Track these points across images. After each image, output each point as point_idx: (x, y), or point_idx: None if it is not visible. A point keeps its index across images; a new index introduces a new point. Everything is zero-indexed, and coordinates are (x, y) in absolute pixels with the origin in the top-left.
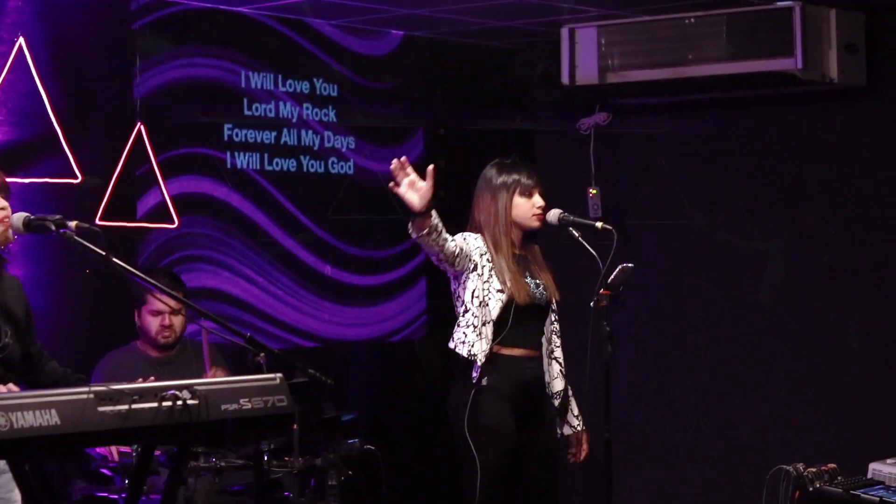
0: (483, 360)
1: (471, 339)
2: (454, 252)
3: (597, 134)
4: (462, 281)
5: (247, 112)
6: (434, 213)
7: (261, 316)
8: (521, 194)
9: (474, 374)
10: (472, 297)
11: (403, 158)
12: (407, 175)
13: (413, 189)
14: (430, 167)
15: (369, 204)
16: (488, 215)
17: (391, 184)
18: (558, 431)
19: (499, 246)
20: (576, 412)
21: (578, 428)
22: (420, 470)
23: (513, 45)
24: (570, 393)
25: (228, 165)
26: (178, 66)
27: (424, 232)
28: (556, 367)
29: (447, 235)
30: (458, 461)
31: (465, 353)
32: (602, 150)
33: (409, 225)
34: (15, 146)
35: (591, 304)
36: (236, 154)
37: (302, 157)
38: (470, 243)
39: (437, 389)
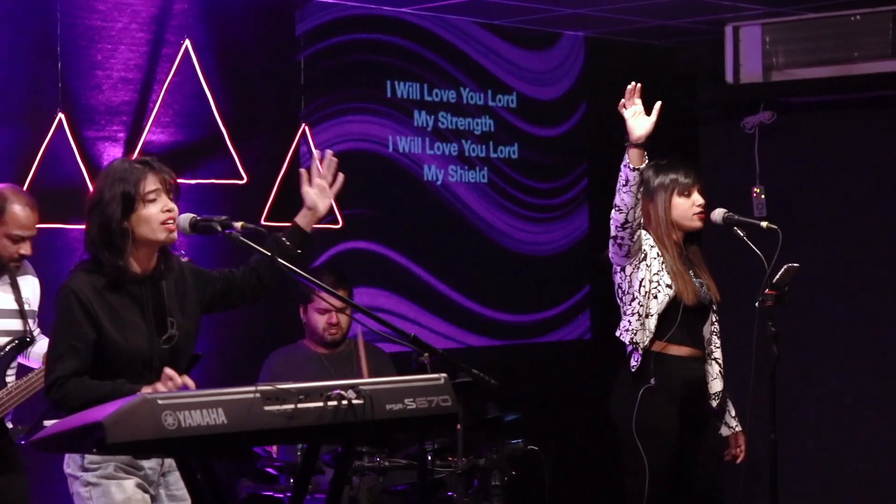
0: (642, 350)
1: (634, 327)
2: (640, 217)
3: (761, 132)
4: (629, 272)
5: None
6: (645, 154)
7: (424, 315)
8: (680, 194)
9: (633, 364)
10: (640, 286)
11: (638, 85)
12: (634, 103)
13: (638, 118)
14: (658, 103)
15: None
16: (649, 218)
17: (620, 104)
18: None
19: (663, 247)
20: (733, 413)
21: (736, 429)
22: (583, 470)
23: (676, 43)
24: (727, 394)
25: (390, 168)
26: (341, 68)
27: (640, 167)
28: (715, 368)
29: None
30: (624, 461)
31: (626, 341)
32: (766, 148)
33: (625, 155)
34: (181, 147)
35: (757, 304)
36: (400, 149)
37: (463, 142)
38: (641, 233)
39: (600, 390)
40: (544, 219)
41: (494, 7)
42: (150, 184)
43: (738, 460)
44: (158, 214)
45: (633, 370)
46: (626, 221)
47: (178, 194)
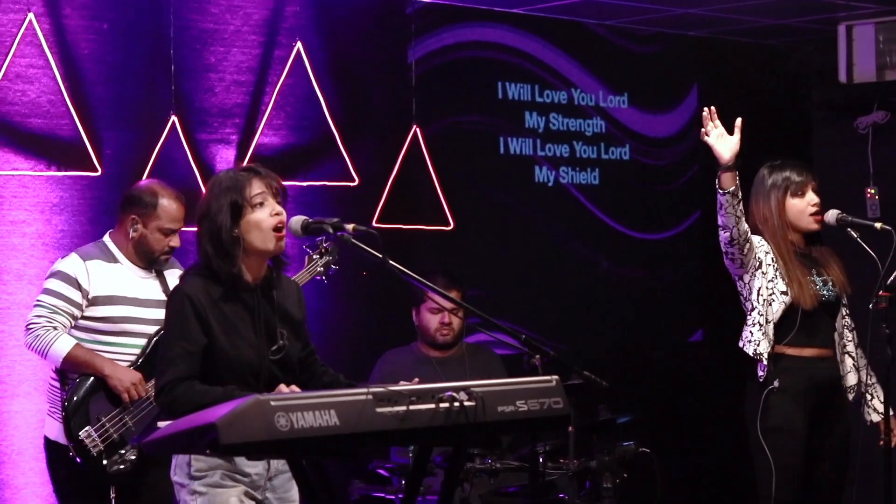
0: (767, 358)
1: (756, 337)
2: (747, 231)
3: (875, 133)
4: (747, 281)
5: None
6: (737, 175)
7: (532, 319)
8: (794, 194)
9: (760, 374)
10: (758, 295)
11: (712, 108)
12: (716, 126)
13: (722, 140)
14: (739, 120)
15: (647, 189)
16: (764, 218)
17: (702, 131)
18: (867, 419)
19: (779, 249)
20: (881, 398)
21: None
22: (695, 473)
23: (788, 43)
24: (874, 380)
25: (501, 170)
26: (453, 70)
27: (731, 189)
28: (848, 362)
29: (743, 210)
30: (754, 462)
31: (750, 352)
32: (880, 148)
33: (717, 182)
34: (293, 150)
35: (871, 305)
36: (511, 151)
37: (575, 143)
38: (754, 240)
39: (712, 391)
40: (656, 219)
41: (606, 7)
42: (256, 188)
43: (893, 444)
44: (268, 219)
45: (759, 380)
46: (733, 239)
47: (286, 199)
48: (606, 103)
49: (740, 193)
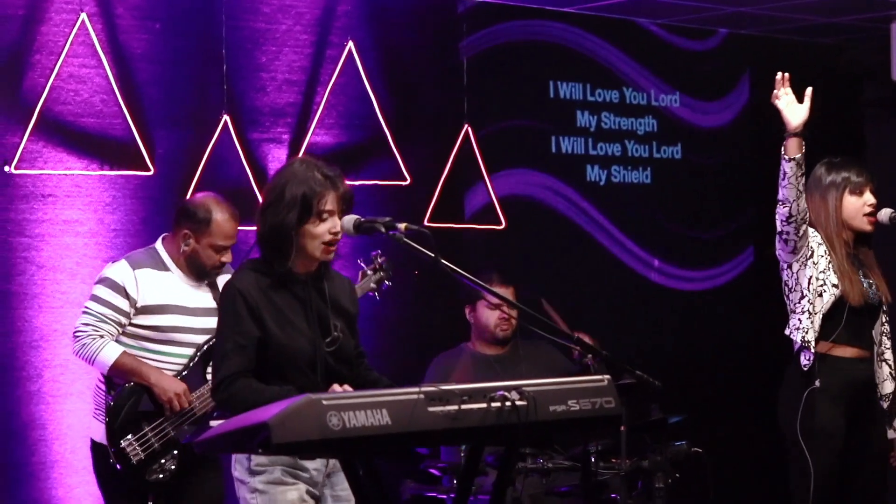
0: (813, 349)
1: (805, 325)
2: (805, 211)
3: None
4: (795, 270)
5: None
6: (804, 144)
7: (583, 318)
8: (852, 192)
9: (805, 363)
10: (809, 283)
11: (786, 74)
12: (787, 93)
13: (791, 106)
14: (809, 89)
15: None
16: (818, 215)
17: (772, 95)
18: (889, 434)
19: (832, 244)
20: None
21: None
22: (747, 473)
23: (840, 41)
24: None
25: (552, 169)
26: (504, 69)
27: (797, 157)
28: (885, 369)
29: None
30: (789, 462)
31: (798, 339)
32: None
33: (783, 149)
34: (344, 149)
35: None
36: (563, 150)
37: (626, 142)
38: (809, 231)
39: (764, 392)
40: (708, 218)
41: (657, 6)
42: (329, 203)
43: None
44: (325, 235)
45: (804, 368)
46: (791, 215)
47: (352, 207)
48: (658, 102)
49: (804, 164)
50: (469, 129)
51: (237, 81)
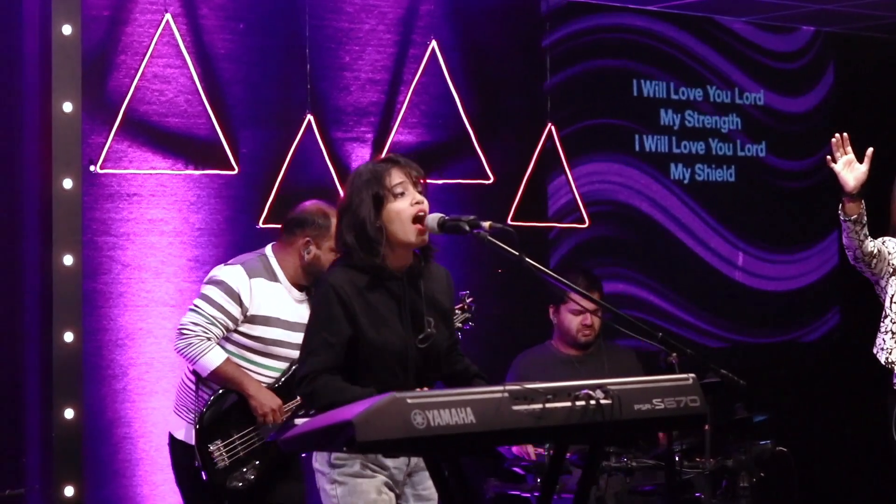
0: None
1: (889, 345)
2: (871, 252)
3: None
4: (883, 285)
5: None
6: (862, 202)
7: (668, 316)
8: None
9: (895, 382)
10: (891, 302)
11: (845, 135)
12: (846, 153)
13: (849, 168)
14: (869, 150)
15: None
16: None
17: (828, 157)
18: None
19: None
20: None
21: None
22: (832, 472)
23: None
24: None
25: (636, 167)
26: (587, 68)
27: (854, 217)
28: None
29: (868, 233)
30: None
31: (882, 360)
32: None
33: (840, 207)
34: (428, 148)
35: None
36: (647, 149)
37: (710, 140)
38: (889, 247)
39: (849, 390)
40: (792, 215)
41: (738, 4)
42: (396, 177)
43: None
44: (408, 208)
45: (894, 387)
46: (857, 258)
47: (427, 191)
48: (742, 100)
49: (865, 217)
50: (552, 127)
51: (320, 81)
